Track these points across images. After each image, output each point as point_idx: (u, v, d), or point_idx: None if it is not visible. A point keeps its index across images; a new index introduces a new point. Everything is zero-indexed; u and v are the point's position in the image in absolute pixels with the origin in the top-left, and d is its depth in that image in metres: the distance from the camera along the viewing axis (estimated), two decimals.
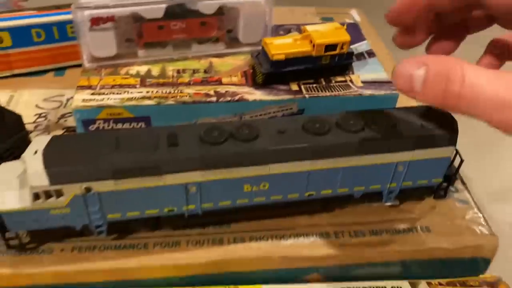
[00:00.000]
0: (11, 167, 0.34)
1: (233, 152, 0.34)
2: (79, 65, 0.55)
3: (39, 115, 0.50)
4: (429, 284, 0.40)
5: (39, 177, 0.31)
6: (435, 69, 0.27)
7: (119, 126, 0.43)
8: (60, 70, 0.57)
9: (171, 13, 0.45)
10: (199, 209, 0.36)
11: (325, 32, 0.45)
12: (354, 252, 0.39)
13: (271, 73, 0.44)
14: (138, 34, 0.46)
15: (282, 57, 0.43)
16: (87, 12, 0.43)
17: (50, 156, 0.32)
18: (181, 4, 0.45)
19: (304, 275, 0.39)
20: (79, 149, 0.33)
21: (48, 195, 0.32)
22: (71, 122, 0.49)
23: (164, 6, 0.44)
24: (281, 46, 0.44)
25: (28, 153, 0.33)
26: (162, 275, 0.37)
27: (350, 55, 0.46)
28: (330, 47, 0.44)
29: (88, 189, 0.33)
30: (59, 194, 0.32)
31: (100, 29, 0.44)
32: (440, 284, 0.40)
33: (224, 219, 0.38)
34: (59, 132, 0.48)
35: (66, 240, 0.37)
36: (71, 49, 0.55)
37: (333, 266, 0.39)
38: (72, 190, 0.32)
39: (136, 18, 0.45)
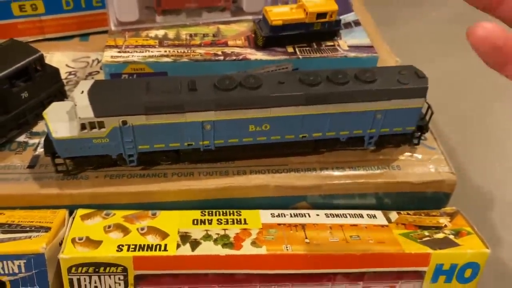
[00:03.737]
0: (61, 105, 0.43)
1: (241, 97, 0.42)
2: (101, 32, 0.64)
3: (69, 73, 0.58)
4: (398, 213, 0.48)
5: (86, 110, 0.40)
6: None
7: None
8: (84, 36, 0.64)
9: None
10: (213, 144, 0.44)
11: (317, 3, 0.52)
12: (336, 183, 0.47)
13: (270, 36, 0.52)
14: (157, 2, 0.54)
15: (279, 22, 0.51)
16: None
17: (94, 94, 0.40)
18: None
19: (294, 203, 0.48)
20: (117, 90, 0.41)
21: (92, 126, 0.40)
22: (97, 78, 0.57)
23: None
24: (279, 14, 0.52)
25: (76, 93, 0.41)
26: (178, 198, 0.46)
27: (337, 22, 0.54)
28: (320, 15, 0.52)
29: (124, 122, 0.41)
30: (101, 125, 0.41)
31: None
32: (408, 214, 0.48)
33: (231, 155, 0.46)
34: None
35: (100, 170, 0.45)
36: (95, 17, 0.63)
37: (318, 195, 0.47)
38: (112, 122, 0.41)
39: None
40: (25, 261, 0.39)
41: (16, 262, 0.39)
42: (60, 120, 0.41)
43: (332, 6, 0.52)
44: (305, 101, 0.43)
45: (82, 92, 0.41)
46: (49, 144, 0.42)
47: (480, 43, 0.25)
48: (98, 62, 0.59)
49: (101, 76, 0.57)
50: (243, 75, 0.44)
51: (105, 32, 0.63)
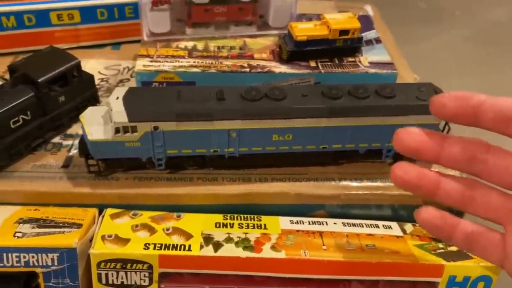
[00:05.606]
0: (97, 109, 0.45)
1: (266, 108, 0.44)
2: (132, 41, 0.67)
3: (102, 79, 0.61)
4: (413, 225, 0.50)
5: (121, 115, 0.42)
6: None
7: None
8: (116, 45, 0.67)
9: None
10: (237, 152, 0.47)
11: (340, 20, 0.55)
12: (354, 194, 0.49)
13: (295, 51, 0.54)
14: (188, 15, 0.57)
15: (304, 38, 0.53)
16: None
17: (128, 101, 0.43)
18: None
19: (313, 211, 0.49)
20: (150, 98, 0.44)
21: (125, 130, 0.43)
22: (128, 86, 0.60)
23: None
24: (303, 30, 0.54)
25: (111, 98, 0.43)
26: (202, 202, 0.48)
27: (359, 39, 0.56)
28: (343, 32, 0.54)
29: (155, 128, 0.43)
30: (133, 130, 0.43)
31: (159, 9, 0.55)
32: None
33: (254, 162, 0.49)
34: None
35: (130, 172, 0.48)
36: (127, 27, 0.66)
37: (336, 205, 0.49)
38: (144, 127, 0.43)
39: (187, 2, 0.55)
40: (58, 254, 0.41)
41: (50, 255, 0.41)
42: (96, 124, 0.44)
43: (354, 23, 0.54)
44: (327, 113, 0.45)
45: (117, 98, 0.44)
46: (84, 146, 0.45)
47: (425, 224, 0.33)
48: (129, 70, 0.62)
49: (131, 83, 0.60)
50: (268, 87, 0.46)
51: (136, 41, 0.66)
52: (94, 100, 0.54)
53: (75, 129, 0.53)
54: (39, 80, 0.47)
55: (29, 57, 0.50)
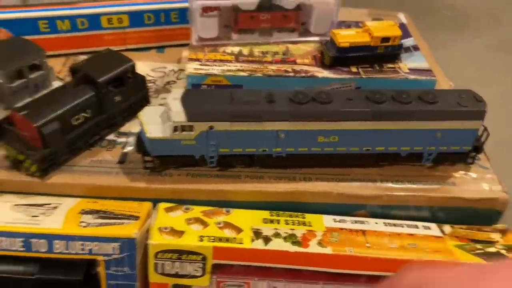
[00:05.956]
0: (153, 109, 0.48)
1: (314, 110, 0.46)
2: (175, 45, 0.70)
3: (149, 81, 0.64)
4: (451, 227, 0.51)
5: (180, 115, 0.45)
6: None
7: None
8: (160, 48, 0.70)
9: (261, 7, 0.59)
10: (284, 151, 0.49)
11: (381, 27, 0.57)
12: (395, 195, 0.51)
13: (337, 56, 0.56)
14: (234, 21, 0.59)
15: (347, 44, 0.56)
16: (200, 2, 0.56)
17: (186, 101, 0.46)
18: (269, 0, 0.58)
19: (354, 210, 0.51)
20: (205, 99, 0.46)
21: (183, 129, 0.46)
22: (175, 87, 0.63)
23: (257, 0, 0.58)
24: (346, 36, 0.56)
25: (170, 99, 0.46)
26: (249, 199, 0.50)
27: (400, 46, 0.58)
28: (385, 39, 0.56)
29: (211, 127, 0.46)
30: (190, 129, 0.46)
31: (208, 16, 0.58)
32: (461, 228, 0.52)
33: (300, 162, 0.51)
34: (166, 94, 0.62)
35: (182, 168, 0.51)
36: (172, 32, 0.69)
37: (377, 205, 0.51)
38: (200, 127, 0.46)
39: (235, 9, 0.58)
40: (119, 244, 0.44)
41: (111, 244, 0.44)
42: (153, 123, 0.47)
43: (396, 31, 0.56)
44: (371, 117, 0.47)
45: (175, 99, 0.46)
46: (141, 143, 0.48)
47: None
48: (174, 72, 0.65)
49: (178, 85, 0.63)
50: (314, 91, 0.48)
51: (179, 45, 0.69)
52: (145, 101, 0.57)
53: (127, 127, 0.55)
54: (99, 81, 0.50)
55: (89, 58, 0.54)
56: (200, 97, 0.47)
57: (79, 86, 0.50)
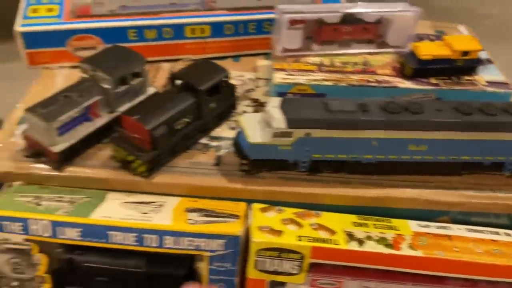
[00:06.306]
0: (252, 116, 0.52)
1: (407, 120, 0.49)
2: (250, 55, 0.73)
3: None
4: None
5: (280, 122, 0.48)
6: None
7: None
8: (236, 57, 0.74)
9: (344, 19, 0.61)
10: (375, 159, 0.52)
11: (461, 41, 0.59)
12: (477, 202, 0.53)
13: (419, 68, 0.59)
14: (318, 33, 0.62)
15: (429, 57, 0.58)
16: (288, 16, 0.60)
17: (286, 109, 0.49)
18: (352, 13, 0.61)
19: (438, 216, 0.54)
20: (302, 107, 0.50)
21: (282, 135, 0.49)
22: (254, 95, 0.66)
23: (341, 14, 0.61)
24: (427, 49, 0.59)
25: (269, 107, 0.50)
26: (337, 202, 0.53)
27: (478, 60, 0.60)
28: (465, 52, 0.59)
29: (307, 134, 0.49)
30: (289, 135, 0.49)
31: (294, 28, 0.61)
32: None
33: (388, 169, 0.53)
34: (246, 102, 0.65)
35: (274, 172, 0.54)
36: (248, 42, 0.72)
37: (459, 212, 0.53)
38: (298, 133, 0.49)
39: (319, 22, 0.61)
40: (225, 241, 0.47)
41: (217, 241, 0.47)
42: (252, 128, 0.50)
43: (476, 45, 0.59)
44: (461, 127, 0.50)
45: (274, 107, 0.49)
46: (239, 147, 0.51)
47: None
48: (253, 81, 0.69)
49: (257, 93, 0.66)
50: (405, 101, 0.51)
51: (253, 55, 0.73)
52: (232, 108, 0.61)
53: (218, 132, 0.59)
54: (200, 89, 0.53)
55: (187, 67, 0.57)
56: (297, 105, 0.50)
57: (181, 93, 0.54)
